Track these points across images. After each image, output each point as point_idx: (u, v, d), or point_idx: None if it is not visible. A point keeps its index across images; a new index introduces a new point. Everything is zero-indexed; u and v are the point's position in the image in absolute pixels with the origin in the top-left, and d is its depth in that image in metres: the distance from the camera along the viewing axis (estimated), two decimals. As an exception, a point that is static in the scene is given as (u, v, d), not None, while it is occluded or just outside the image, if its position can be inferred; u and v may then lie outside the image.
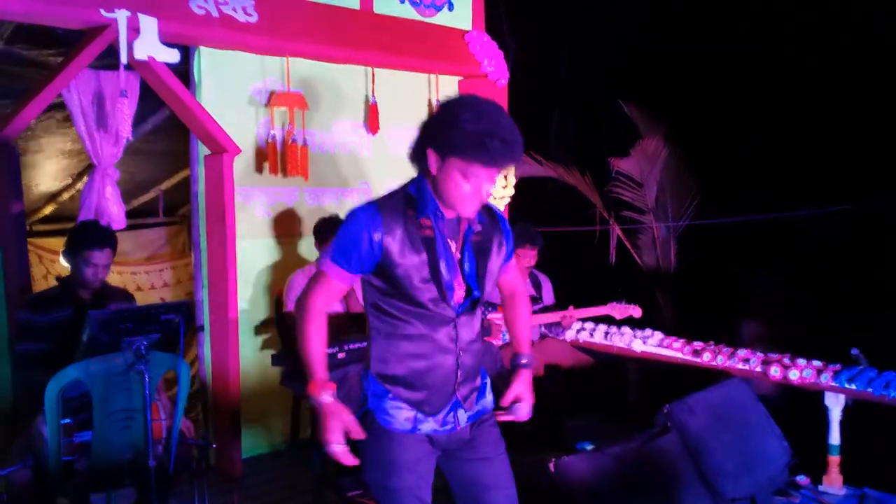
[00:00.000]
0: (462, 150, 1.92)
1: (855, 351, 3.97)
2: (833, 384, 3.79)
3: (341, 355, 3.74)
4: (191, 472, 3.24)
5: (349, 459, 2.01)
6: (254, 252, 4.49)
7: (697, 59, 6.87)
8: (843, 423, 3.84)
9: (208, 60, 4.28)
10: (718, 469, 3.40)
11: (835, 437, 3.85)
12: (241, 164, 4.34)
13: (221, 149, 4.16)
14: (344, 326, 4.38)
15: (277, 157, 4.48)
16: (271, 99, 4.46)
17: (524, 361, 2.33)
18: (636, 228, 6.81)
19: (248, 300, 4.46)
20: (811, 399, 3.93)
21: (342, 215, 4.27)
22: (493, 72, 5.28)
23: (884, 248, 5.81)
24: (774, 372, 3.96)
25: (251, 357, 4.41)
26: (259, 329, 4.50)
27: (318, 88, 4.72)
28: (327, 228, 4.19)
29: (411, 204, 2.05)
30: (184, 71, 4.24)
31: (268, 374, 4.30)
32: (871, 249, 5.94)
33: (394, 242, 2.00)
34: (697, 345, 4.38)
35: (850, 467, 3.86)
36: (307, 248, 4.52)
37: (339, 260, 2.05)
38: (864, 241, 5.97)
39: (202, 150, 4.31)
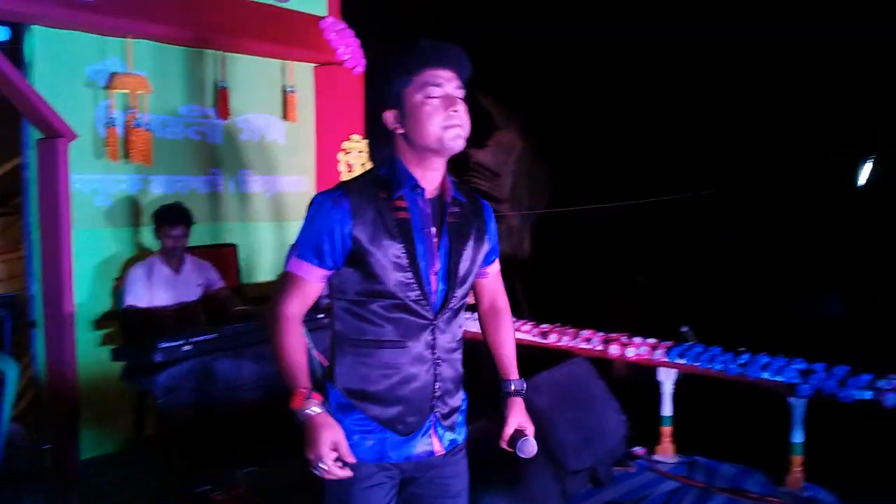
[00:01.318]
0: (409, 66, 1.80)
1: (684, 328, 4.27)
2: (665, 360, 4.06)
3: (187, 348, 3.62)
4: (22, 475, 3.05)
5: (345, 472, 1.75)
6: (92, 243, 4.25)
7: (553, 52, 7.12)
8: (674, 396, 4.12)
9: (42, 39, 4.02)
10: (562, 443, 3.57)
11: (667, 409, 4.13)
12: (78, 150, 4.10)
13: (55, 133, 3.91)
14: (195, 315, 4.24)
15: (118, 142, 4.27)
16: (112, 81, 4.24)
17: (516, 388, 2.05)
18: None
19: (87, 293, 4.22)
20: (647, 374, 4.20)
21: (186, 203, 4.14)
22: (349, 60, 5.25)
23: (715, 235, 6.29)
24: (613, 350, 4.19)
25: (90, 353, 4.16)
26: (99, 323, 4.27)
27: (163, 71, 4.53)
28: (166, 215, 4.04)
29: (383, 185, 1.84)
30: (14, 50, 3.96)
31: (108, 370, 4.09)
32: (705, 236, 6.41)
33: (365, 228, 1.78)
34: (545, 327, 4.57)
35: (682, 437, 4.15)
36: (152, 238, 4.33)
37: (307, 255, 1.81)
38: (700, 227, 6.43)
39: (35, 135, 4.04)
